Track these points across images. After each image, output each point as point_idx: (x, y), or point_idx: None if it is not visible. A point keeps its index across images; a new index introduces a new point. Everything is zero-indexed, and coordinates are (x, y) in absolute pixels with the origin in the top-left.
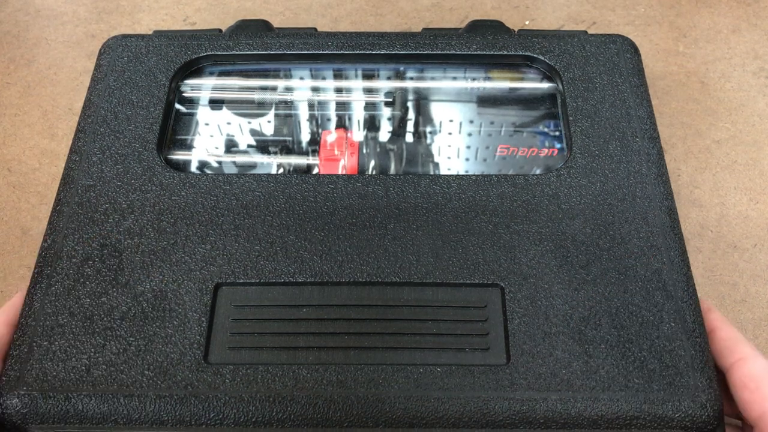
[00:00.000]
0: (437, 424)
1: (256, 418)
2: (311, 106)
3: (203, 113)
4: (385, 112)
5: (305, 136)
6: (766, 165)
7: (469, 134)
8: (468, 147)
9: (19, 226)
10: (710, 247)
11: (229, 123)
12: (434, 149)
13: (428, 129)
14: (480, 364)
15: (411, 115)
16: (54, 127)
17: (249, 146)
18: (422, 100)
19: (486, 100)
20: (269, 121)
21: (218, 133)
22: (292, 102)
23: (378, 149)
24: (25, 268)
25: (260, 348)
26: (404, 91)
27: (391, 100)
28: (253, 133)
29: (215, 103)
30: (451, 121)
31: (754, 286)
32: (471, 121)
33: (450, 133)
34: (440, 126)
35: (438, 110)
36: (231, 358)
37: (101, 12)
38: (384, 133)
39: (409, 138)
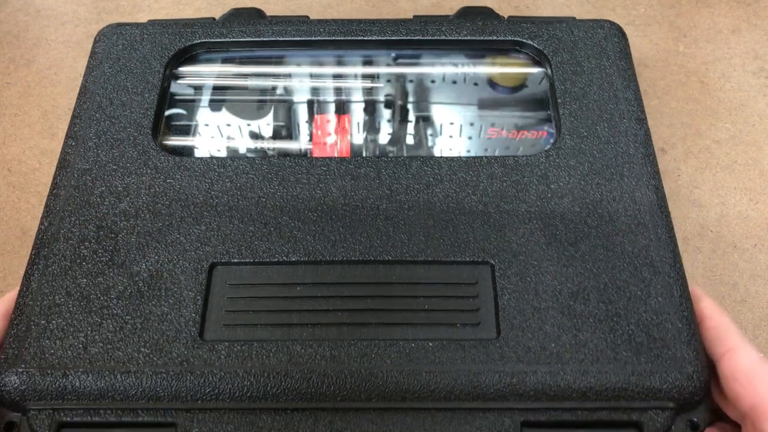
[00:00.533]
0: (429, 397)
1: (251, 392)
2: (305, 92)
3: (201, 110)
4: (385, 114)
5: (299, 122)
6: (766, 165)
7: (469, 137)
8: (469, 134)
9: (19, 226)
10: (710, 247)
11: (228, 125)
12: (428, 133)
13: (429, 131)
14: (471, 339)
15: (411, 116)
16: (54, 127)
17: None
18: (421, 101)
19: (487, 103)
20: (268, 124)
21: (218, 135)
22: (285, 88)
23: (372, 129)
24: None
25: (255, 325)
26: (402, 81)
27: (389, 100)
28: (252, 135)
29: (214, 104)
30: (451, 124)
31: (754, 286)
32: (471, 124)
33: (451, 136)
34: (441, 129)
35: (438, 110)
36: (226, 335)
37: (101, 12)
38: (378, 117)
39: (409, 134)
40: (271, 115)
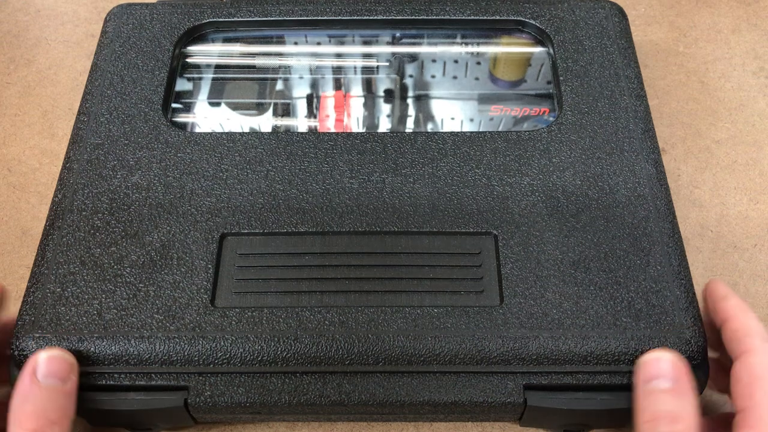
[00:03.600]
0: (434, 361)
1: (262, 356)
2: (311, 70)
3: (200, 105)
4: (385, 109)
5: (305, 99)
6: (766, 165)
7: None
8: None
9: (19, 226)
10: (710, 247)
11: (228, 119)
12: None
13: (430, 125)
14: (475, 306)
15: (411, 110)
16: (54, 127)
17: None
18: (422, 94)
19: (488, 98)
20: (267, 119)
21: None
22: (290, 67)
23: (375, 108)
24: (25, 268)
25: (265, 293)
26: (402, 58)
27: (389, 92)
28: (252, 130)
29: (213, 99)
30: (452, 119)
31: (754, 286)
32: (471, 120)
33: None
34: (442, 123)
35: (438, 104)
36: (237, 302)
37: (101, 12)
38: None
39: (409, 116)
40: (270, 112)
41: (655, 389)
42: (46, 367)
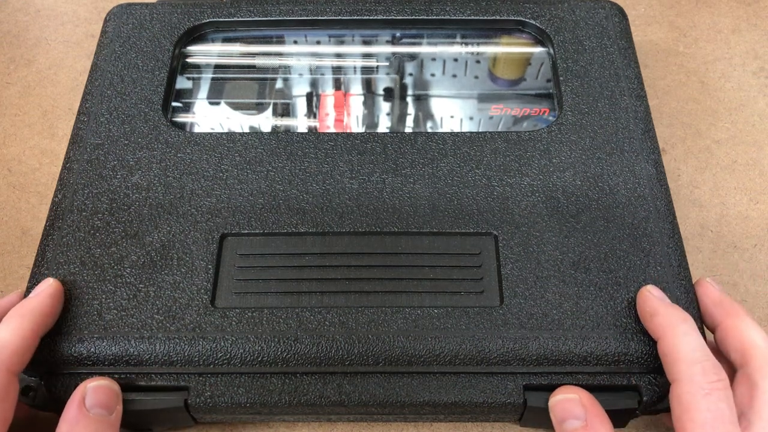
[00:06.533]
0: (434, 361)
1: (262, 357)
2: (310, 70)
3: (199, 104)
4: (384, 108)
5: (305, 99)
6: (766, 165)
7: (470, 119)
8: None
9: (19, 226)
10: (710, 247)
11: (228, 118)
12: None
13: (429, 124)
14: (475, 306)
15: (411, 109)
16: (54, 127)
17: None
18: (422, 93)
19: (487, 97)
20: (267, 118)
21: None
22: (290, 67)
23: (374, 107)
24: (25, 268)
25: (265, 293)
26: (401, 57)
27: (389, 90)
28: (252, 129)
29: (213, 97)
30: (452, 117)
31: (754, 286)
32: (471, 118)
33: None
34: (442, 122)
35: (437, 103)
36: (237, 303)
37: (101, 12)
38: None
39: (408, 114)
40: (270, 111)
41: (568, 429)
42: (94, 397)
